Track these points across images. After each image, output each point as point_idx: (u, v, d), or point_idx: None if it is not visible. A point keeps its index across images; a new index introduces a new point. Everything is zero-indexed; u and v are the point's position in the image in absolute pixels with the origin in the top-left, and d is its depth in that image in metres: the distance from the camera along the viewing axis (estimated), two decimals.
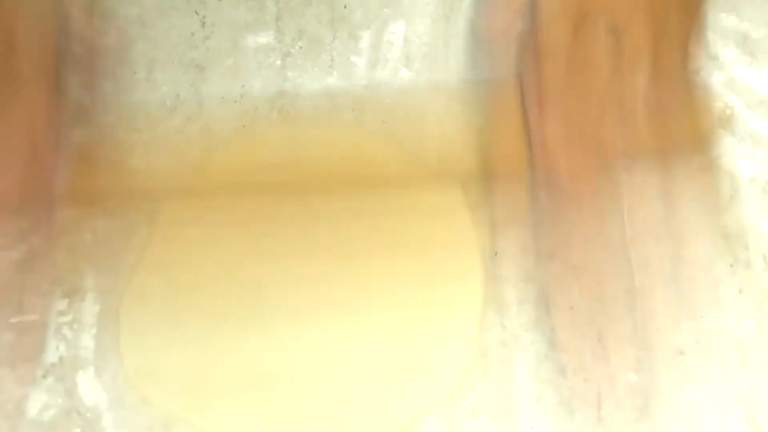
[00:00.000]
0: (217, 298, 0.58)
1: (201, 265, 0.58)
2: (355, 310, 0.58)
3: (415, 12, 0.63)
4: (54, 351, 0.57)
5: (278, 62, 0.62)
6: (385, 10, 0.63)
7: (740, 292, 0.59)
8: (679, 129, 0.60)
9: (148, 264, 0.58)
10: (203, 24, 0.62)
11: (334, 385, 0.57)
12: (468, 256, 0.58)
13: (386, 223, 0.59)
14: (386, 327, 0.57)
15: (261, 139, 0.60)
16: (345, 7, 0.63)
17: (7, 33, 0.57)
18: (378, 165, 0.60)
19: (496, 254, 0.59)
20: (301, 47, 0.62)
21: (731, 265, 0.59)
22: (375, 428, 0.56)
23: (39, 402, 0.56)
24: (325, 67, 0.62)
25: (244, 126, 0.61)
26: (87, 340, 0.58)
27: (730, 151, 0.61)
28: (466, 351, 0.57)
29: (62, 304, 0.58)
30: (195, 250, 0.59)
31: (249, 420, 0.56)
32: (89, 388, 0.57)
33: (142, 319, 0.57)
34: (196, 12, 0.63)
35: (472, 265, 0.58)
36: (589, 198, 0.58)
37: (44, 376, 0.57)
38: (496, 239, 0.60)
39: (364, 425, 0.56)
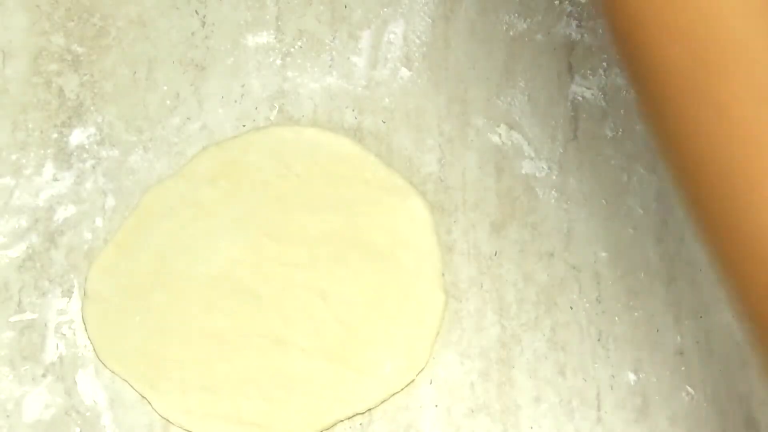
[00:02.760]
0: (183, 279, 0.58)
1: (169, 249, 0.59)
2: (320, 292, 0.58)
3: (414, 12, 0.63)
4: (53, 350, 0.57)
5: (278, 62, 0.62)
6: (385, 9, 0.63)
7: None
8: None
9: (119, 241, 0.59)
10: (203, 24, 0.63)
11: (287, 366, 0.57)
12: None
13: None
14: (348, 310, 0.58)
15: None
16: (345, 7, 0.63)
17: None
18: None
19: (495, 254, 0.59)
20: (301, 47, 0.62)
21: None
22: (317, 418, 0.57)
23: (39, 401, 0.56)
24: (325, 67, 0.62)
25: (243, 126, 0.61)
26: (86, 339, 0.58)
27: None
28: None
29: (61, 303, 0.58)
30: (168, 236, 0.59)
31: (199, 399, 0.57)
32: (89, 387, 0.57)
33: (108, 291, 0.58)
34: (196, 12, 0.63)
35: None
36: None
37: (44, 375, 0.57)
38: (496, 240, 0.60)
39: (310, 412, 0.57)
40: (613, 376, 0.57)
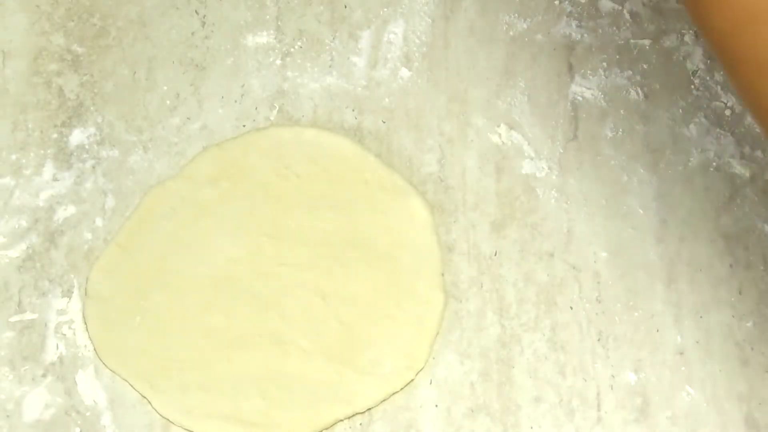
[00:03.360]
0: (184, 279, 0.58)
1: (170, 249, 0.59)
2: (320, 292, 0.58)
3: (414, 12, 0.63)
4: (53, 350, 0.57)
5: (278, 62, 0.62)
6: (385, 9, 0.63)
7: (740, 292, 0.59)
8: None
9: (120, 242, 0.59)
10: (203, 24, 0.63)
11: (287, 365, 0.57)
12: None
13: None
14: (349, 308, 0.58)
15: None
16: (345, 7, 0.63)
17: None
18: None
19: (495, 254, 0.59)
20: (301, 47, 0.62)
21: (731, 265, 0.59)
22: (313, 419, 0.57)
23: (39, 401, 0.56)
24: (324, 67, 0.62)
25: (243, 126, 0.61)
26: (86, 339, 0.58)
27: (730, 151, 0.61)
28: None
29: (61, 303, 0.58)
30: (169, 236, 0.59)
31: (199, 399, 0.57)
32: (89, 387, 0.57)
33: (109, 291, 0.58)
34: (196, 12, 0.63)
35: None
36: None
37: (44, 375, 0.57)
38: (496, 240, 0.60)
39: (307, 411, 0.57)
40: (613, 376, 0.57)
